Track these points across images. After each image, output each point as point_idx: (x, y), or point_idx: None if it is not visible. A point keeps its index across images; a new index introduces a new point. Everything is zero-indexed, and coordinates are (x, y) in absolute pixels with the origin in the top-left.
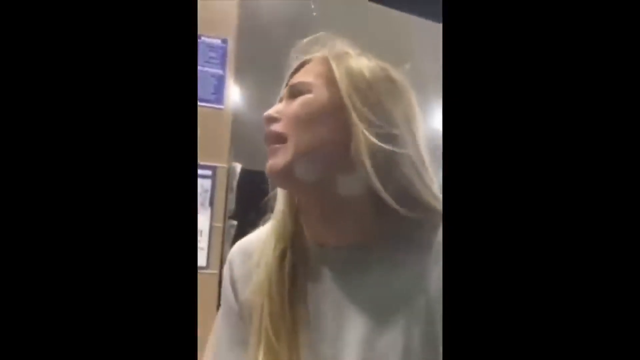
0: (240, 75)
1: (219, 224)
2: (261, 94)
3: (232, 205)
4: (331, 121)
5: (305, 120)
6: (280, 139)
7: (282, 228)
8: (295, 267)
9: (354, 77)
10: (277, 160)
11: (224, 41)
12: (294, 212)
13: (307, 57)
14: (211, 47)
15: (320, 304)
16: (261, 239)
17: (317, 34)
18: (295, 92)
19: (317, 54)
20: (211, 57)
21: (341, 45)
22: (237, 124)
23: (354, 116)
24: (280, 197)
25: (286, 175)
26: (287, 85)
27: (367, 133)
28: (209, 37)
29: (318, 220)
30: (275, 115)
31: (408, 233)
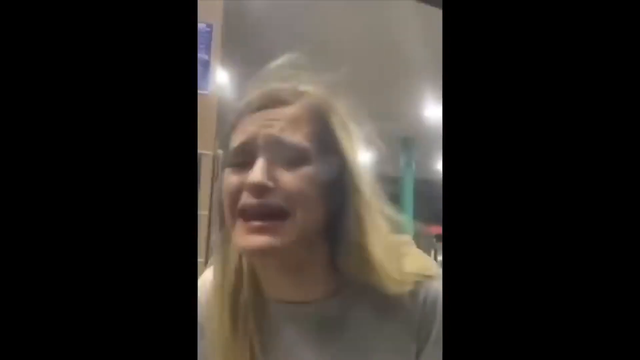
0: (226, 60)
1: (204, 212)
2: (248, 79)
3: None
4: (332, 199)
5: (311, 198)
6: (281, 215)
7: (231, 285)
8: (251, 327)
9: (356, 144)
10: (277, 238)
11: (209, 26)
12: (249, 267)
13: (286, 92)
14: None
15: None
16: (206, 286)
17: (292, 58)
18: (289, 156)
19: (301, 98)
20: None
21: (322, 87)
22: (223, 110)
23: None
24: (225, 252)
25: (287, 256)
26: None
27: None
28: None
29: (280, 276)
30: (270, 185)
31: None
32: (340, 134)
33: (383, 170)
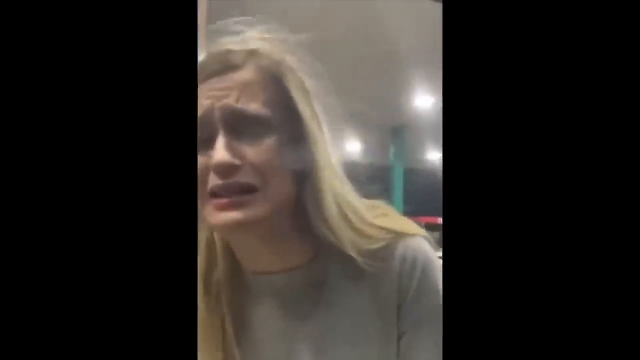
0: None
1: None
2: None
3: None
4: (299, 165)
5: (279, 169)
6: (249, 189)
7: (206, 261)
8: (232, 300)
9: (314, 104)
10: (249, 212)
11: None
12: (223, 244)
13: (236, 55)
14: None
15: (265, 335)
16: None
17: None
18: (250, 126)
19: (252, 59)
20: None
21: (273, 44)
22: None
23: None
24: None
25: (261, 228)
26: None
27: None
28: None
29: (257, 248)
30: (237, 162)
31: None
32: (297, 94)
33: (373, 159)
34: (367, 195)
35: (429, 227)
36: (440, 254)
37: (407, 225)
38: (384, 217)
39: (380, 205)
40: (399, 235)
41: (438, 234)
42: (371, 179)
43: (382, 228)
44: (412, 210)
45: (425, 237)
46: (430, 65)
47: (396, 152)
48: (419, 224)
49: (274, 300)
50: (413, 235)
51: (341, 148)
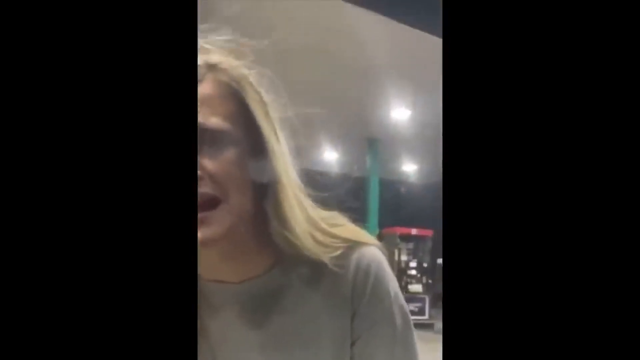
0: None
1: None
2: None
3: None
4: (258, 177)
5: (240, 181)
6: (213, 203)
7: None
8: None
9: (273, 118)
10: (208, 231)
11: None
12: None
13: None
14: None
15: (222, 343)
16: None
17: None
18: (210, 140)
19: (211, 73)
20: None
21: (232, 58)
22: None
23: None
24: None
25: (220, 244)
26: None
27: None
28: None
29: (218, 261)
30: (199, 173)
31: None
32: (256, 108)
33: (349, 171)
34: (339, 204)
35: (403, 238)
36: (414, 263)
37: (362, 235)
38: (340, 227)
39: (336, 215)
40: (354, 244)
41: (412, 244)
42: (347, 190)
43: (338, 237)
44: (387, 221)
45: (378, 247)
46: (406, 79)
47: (372, 164)
48: (394, 234)
49: (231, 309)
50: (367, 244)
51: (313, 159)
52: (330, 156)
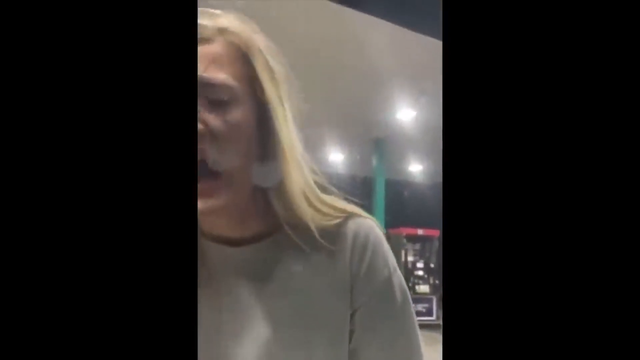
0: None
1: None
2: None
3: None
4: (260, 142)
5: (241, 143)
6: (214, 174)
7: None
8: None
9: (279, 84)
10: (210, 202)
11: None
12: None
13: (207, 30)
14: None
15: (220, 306)
16: None
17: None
18: (216, 96)
19: (222, 35)
20: None
21: (243, 24)
22: None
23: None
24: None
25: (221, 213)
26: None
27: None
28: None
29: (222, 225)
30: (200, 127)
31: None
32: (263, 73)
33: (355, 171)
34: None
35: (410, 239)
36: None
37: (359, 210)
38: (337, 201)
39: (334, 197)
40: (352, 214)
41: (419, 245)
42: (353, 190)
43: (336, 207)
44: (393, 221)
45: (374, 221)
46: (410, 80)
47: (378, 164)
48: (400, 235)
49: (228, 272)
50: (364, 216)
51: (324, 157)
52: (336, 157)
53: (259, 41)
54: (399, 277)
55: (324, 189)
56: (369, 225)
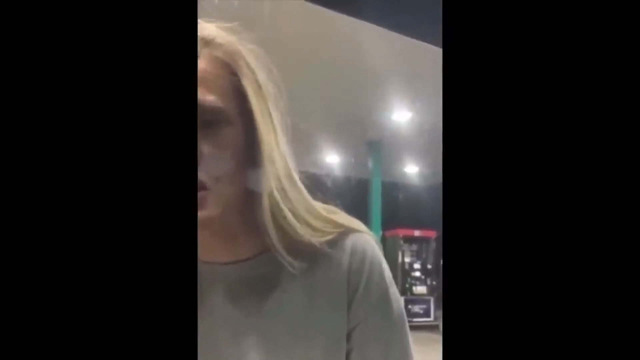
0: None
1: None
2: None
3: None
4: (250, 159)
5: (232, 163)
6: (202, 187)
7: None
8: None
9: (267, 98)
10: (202, 213)
11: None
12: None
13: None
14: None
15: (212, 324)
16: None
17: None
18: (206, 118)
19: (207, 49)
20: None
21: (228, 35)
22: None
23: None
24: None
25: (216, 225)
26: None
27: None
28: None
29: (212, 242)
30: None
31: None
32: (249, 87)
33: (351, 173)
34: (344, 206)
35: (407, 240)
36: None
37: (355, 222)
38: (334, 214)
39: (331, 208)
40: (347, 230)
41: (416, 246)
42: (349, 191)
43: (330, 222)
44: (390, 223)
45: (371, 236)
46: (407, 81)
47: (374, 166)
48: (396, 236)
49: (221, 291)
50: (360, 231)
51: (319, 159)
52: (332, 159)
53: (245, 52)
54: (394, 289)
55: (316, 197)
56: (365, 240)
